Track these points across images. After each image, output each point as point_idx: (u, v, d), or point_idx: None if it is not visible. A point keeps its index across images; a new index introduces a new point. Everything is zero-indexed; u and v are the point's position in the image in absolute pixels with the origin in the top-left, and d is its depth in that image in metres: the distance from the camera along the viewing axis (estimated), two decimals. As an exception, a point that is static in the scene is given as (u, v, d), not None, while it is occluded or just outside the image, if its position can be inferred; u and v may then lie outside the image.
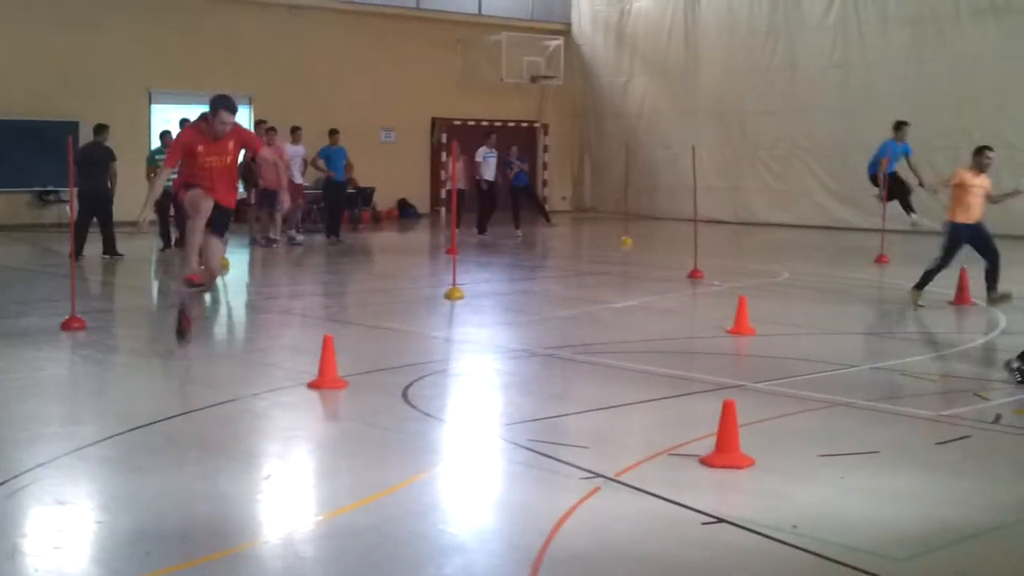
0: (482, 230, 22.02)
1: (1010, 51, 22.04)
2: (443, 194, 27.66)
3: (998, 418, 7.29)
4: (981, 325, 11.33)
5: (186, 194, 9.08)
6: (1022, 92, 21.58)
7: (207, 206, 8.97)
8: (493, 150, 22.25)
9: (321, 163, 20.86)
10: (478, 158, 22.10)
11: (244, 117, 24.27)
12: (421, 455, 6.63)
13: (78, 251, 17.45)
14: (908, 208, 17.58)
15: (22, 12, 22.34)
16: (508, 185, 22.61)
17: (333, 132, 20.91)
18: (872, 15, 24.39)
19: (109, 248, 17.57)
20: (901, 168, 17.60)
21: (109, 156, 17.60)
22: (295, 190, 20.82)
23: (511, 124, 29.61)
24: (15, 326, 11.04)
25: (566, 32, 30.55)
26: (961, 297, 12.55)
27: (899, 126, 17.65)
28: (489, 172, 22.15)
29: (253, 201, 20.05)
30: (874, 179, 17.49)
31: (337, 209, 21.04)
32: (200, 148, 8.99)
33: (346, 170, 21.24)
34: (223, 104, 9.00)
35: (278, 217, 19.68)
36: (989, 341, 10.50)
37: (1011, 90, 21.86)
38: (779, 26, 25.95)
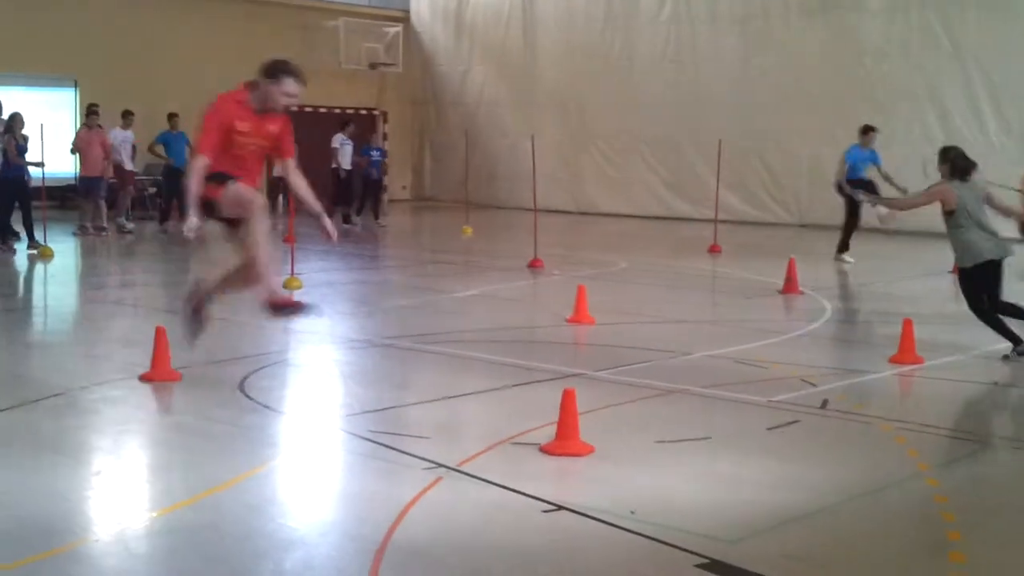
0: (347, 220, 21.60)
1: (837, 50, 22.84)
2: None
3: (824, 403, 7.55)
4: (809, 313, 11.73)
5: (222, 191, 7.02)
6: (852, 90, 22.36)
7: (260, 199, 7.13)
8: (349, 139, 21.97)
9: (159, 149, 20.20)
10: (335, 144, 21.76)
11: (70, 101, 23.41)
12: (259, 448, 6.51)
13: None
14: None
15: None
16: (362, 174, 22.36)
17: (172, 116, 20.22)
18: (703, 12, 24.95)
19: None
20: (873, 175, 16.12)
21: None
22: (125, 176, 20.23)
23: (350, 111, 29.29)
24: None
25: (405, 19, 30.41)
26: (790, 286, 12.97)
27: (866, 130, 16.40)
28: (346, 160, 21.84)
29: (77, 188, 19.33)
30: (840, 189, 14.96)
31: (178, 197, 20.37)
32: (242, 126, 7.10)
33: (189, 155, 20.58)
34: (290, 71, 7.09)
35: (102, 204, 19.06)
36: (816, 328, 10.88)
37: (841, 89, 22.60)
38: (616, 18, 26.31)
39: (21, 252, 16.36)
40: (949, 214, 9.30)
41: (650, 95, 25.52)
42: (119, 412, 7.27)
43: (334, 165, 21.88)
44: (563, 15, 27.37)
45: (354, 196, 22.27)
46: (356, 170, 22.16)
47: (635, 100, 25.84)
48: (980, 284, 9.23)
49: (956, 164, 9.44)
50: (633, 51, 26.05)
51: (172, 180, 20.18)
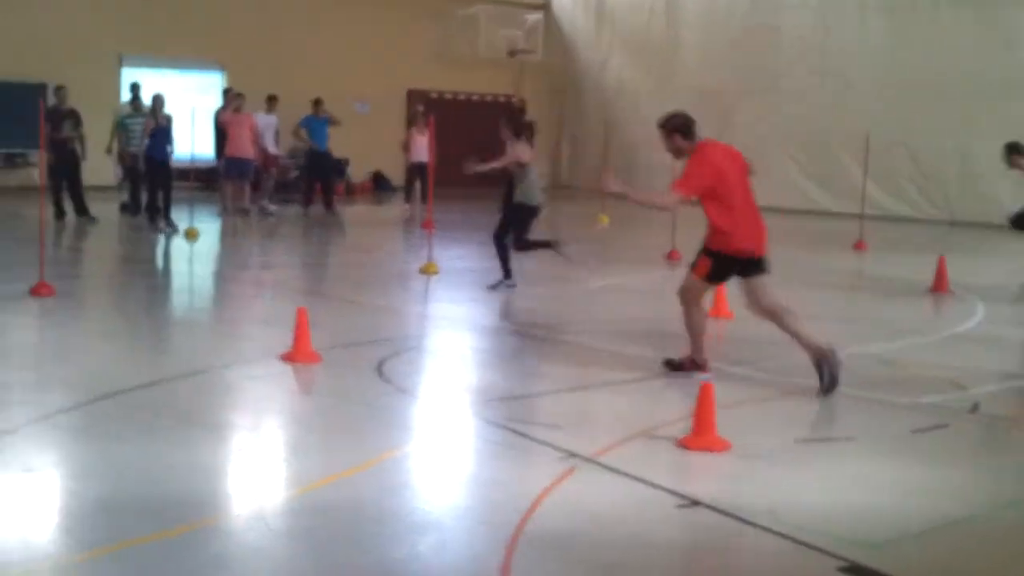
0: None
1: (986, 41, 22.05)
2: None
3: (975, 407, 7.28)
4: (960, 314, 11.34)
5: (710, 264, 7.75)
6: (1001, 82, 21.58)
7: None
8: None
9: (303, 133, 20.53)
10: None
11: (216, 85, 24.04)
12: (395, 431, 6.56)
13: (59, 213, 17.39)
14: None
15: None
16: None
17: (317, 102, 20.52)
18: (850, 1, 24.36)
19: (80, 209, 17.53)
20: None
21: (73, 118, 17.50)
22: (268, 160, 20.65)
23: (488, 98, 29.44)
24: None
25: (546, 6, 30.37)
26: (939, 285, 12.55)
27: None
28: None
29: (221, 170, 19.76)
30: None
31: (324, 181, 20.63)
32: (730, 170, 7.71)
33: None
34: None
35: (247, 187, 19.47)
36: (968, 329, 10.50)
37: (990, 81, 21.83)
38: (761, 9, 25.85)
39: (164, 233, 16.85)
40: None
41: (794, 86, 25.03)
42: (261, 391, 7.41)
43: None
44: (707, 5, 27.01)
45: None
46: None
47: (778, 91, 25.36)
48: None
49: None
50: (778, 42, 25.56)
51: (315, 164, 20.55)
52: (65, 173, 17.57)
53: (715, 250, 7.73)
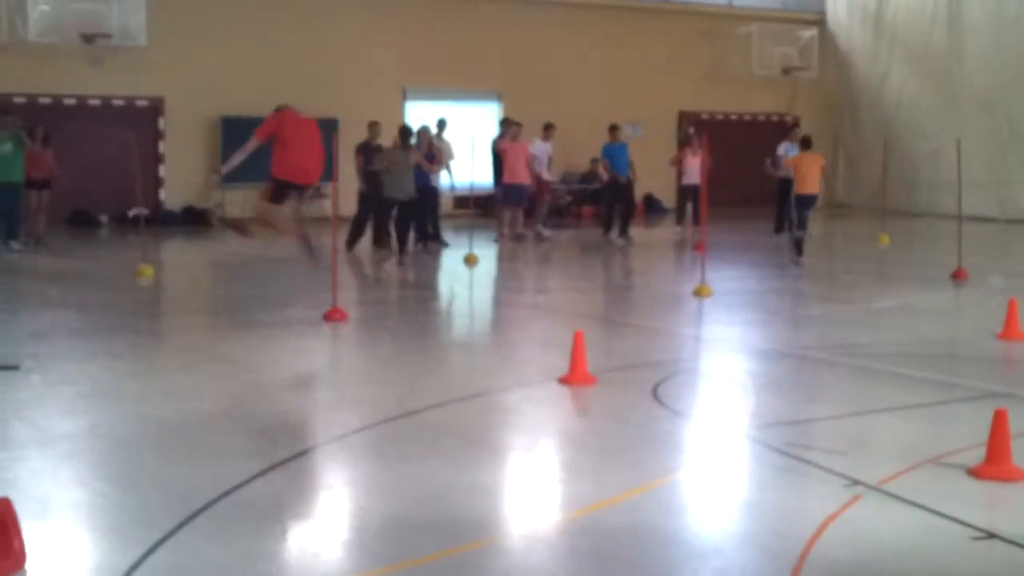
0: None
1: None
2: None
3: None
4: None
5: None
6: None
7: None
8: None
9: (605, 163, 20.06)
10: (779, 151, 20.42)
11: (493, 114, 24.74)
12: (672, 454, 6.57)
13: (351, 244, 18.30)
14: None
15: (286, 13, 23.44)
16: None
17: (613, 128, 20.25)
18: None
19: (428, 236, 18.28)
20: None
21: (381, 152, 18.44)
22: (542, 186, 21.03)
23: (761, 117, 29.01)
24: (280, 316, 11.57)
25: (820, 22, 29.68)
26: None
27: None
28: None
29: (498, 197, 20.21)
30: None
31: (623, 209, 20.11)
32: None
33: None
34: None
35: (520, 213, 19.85)
36: None
37: None
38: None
39: (446, 254, 17.44)
40: None
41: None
42: (539, 413, 7.57)
43: (781, 174, 20.03)
44: (992, 14, 25.71)
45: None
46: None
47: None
48: None
49: None
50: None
51: (616, 191, 20.26)
52: (375, 204, 18.51)
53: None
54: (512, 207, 19.72)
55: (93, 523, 5.33)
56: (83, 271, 15.41)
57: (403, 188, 16.53)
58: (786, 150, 20.17)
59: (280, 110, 11.85)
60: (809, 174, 16.45)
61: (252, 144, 11.53)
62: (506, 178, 19.44)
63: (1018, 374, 9.11)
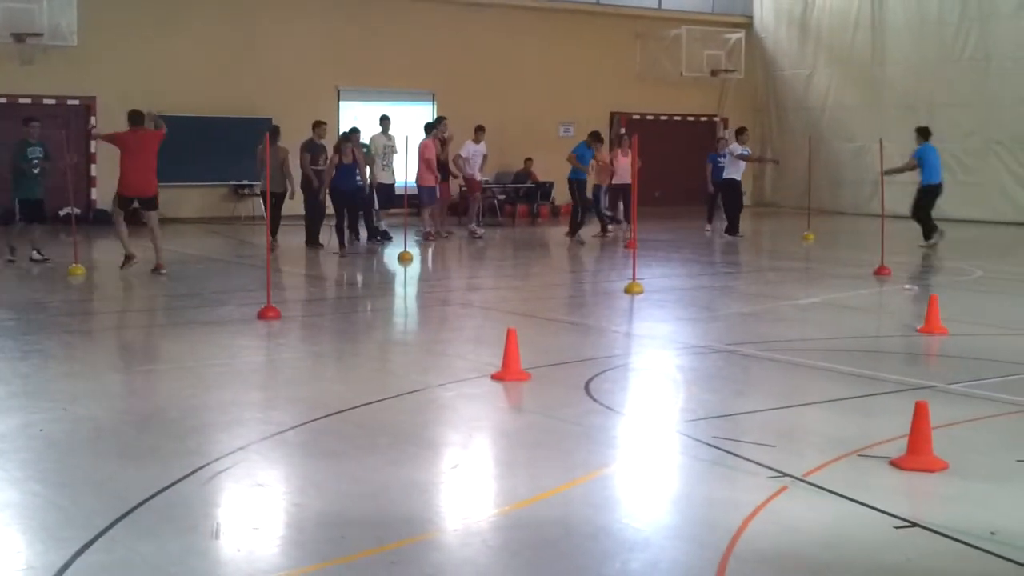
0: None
1: None
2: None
3: None
4: None
5: None
6: None
7: None
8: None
9: (575, 161, 20.43)
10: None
11: (427, 114, 24.77)
12: (604, 449, 6.66)
13: (273, 240, 18.19)
14: None
15: (221, 13, 23.27)
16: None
17: (594, 135, 20.87)
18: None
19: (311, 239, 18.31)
20: None
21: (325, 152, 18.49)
22: (473, 185, 21.24)
23: (690, 118, 29.37)
24: (214, 315, 11.53)
25: (747, 25, 30.11)
26: None
27: None
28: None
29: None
30: None
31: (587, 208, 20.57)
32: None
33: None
34: None
35: (425, 212, 19.95)
36: None
37: None
38: (971, 19, 25.01)
39: (381, 253, 17.45)
40: None
41: (1008, 94, 24.07)
42: (473, 409, 7.63)
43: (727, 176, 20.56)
44: (914, 15, 26.26)
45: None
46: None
47: (990, 100, 24.46)
48: None
49: None
50: (989, 50, 24.66)
51: (580, 191, 20.52)
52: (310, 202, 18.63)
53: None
54: (427, 206, 19.98)
55: (25, 523, 5.30)
56: (13, 270, 15.19)
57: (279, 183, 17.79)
58: (740, 151, 20.63)
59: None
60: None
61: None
62: (418, 180, 19.73)
63: (938, 367, 9.35)
